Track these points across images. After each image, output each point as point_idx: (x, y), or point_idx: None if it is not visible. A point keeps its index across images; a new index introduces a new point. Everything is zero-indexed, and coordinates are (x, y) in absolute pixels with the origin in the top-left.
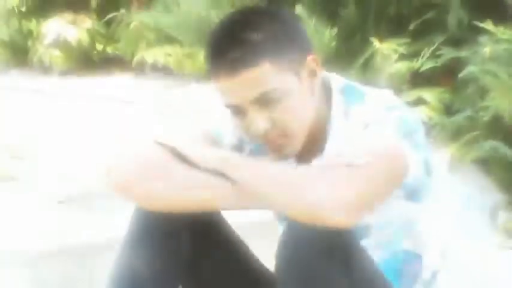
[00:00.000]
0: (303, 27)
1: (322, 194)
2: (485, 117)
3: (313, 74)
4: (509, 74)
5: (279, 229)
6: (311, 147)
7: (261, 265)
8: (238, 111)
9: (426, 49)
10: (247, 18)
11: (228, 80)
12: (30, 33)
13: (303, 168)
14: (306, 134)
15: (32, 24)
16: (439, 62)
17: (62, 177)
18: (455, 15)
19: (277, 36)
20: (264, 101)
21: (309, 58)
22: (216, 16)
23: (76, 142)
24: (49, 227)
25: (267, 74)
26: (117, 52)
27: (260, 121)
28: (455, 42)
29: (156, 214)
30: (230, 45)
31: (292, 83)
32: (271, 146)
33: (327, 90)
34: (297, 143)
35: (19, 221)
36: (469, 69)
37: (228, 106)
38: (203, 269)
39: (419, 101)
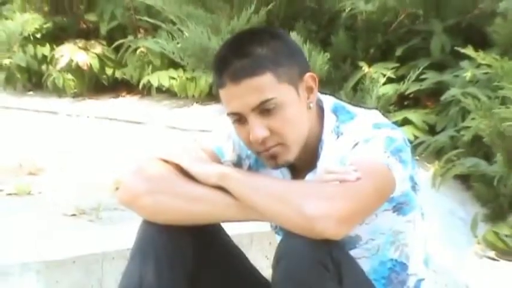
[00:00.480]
0: (301, 48)
1: (316, 208)
2: (466, 136)
3: (310, 90)
4: (488, 96)
5: (276, 240)
6: (305, 163)
7: (259, 274)
8: (240, 119)
9: (411, 73)
10: (252, 35)
11: (233, 86)
12: (44, 58)
13: (298, 183)
14: (301, 147)
15: (47, 50)
16: (424, 85)
17: (73, 191)
18: (438, 42)
19: (279, 52)
20: (264, 109)
21: (307, 75)
22: (216, 43)
23: (87, 159)
24: (61, 237)
25: (268, 84)
26: (124, 76)
27: (259, 128)
28: (439, 66)
29: (161, 226)
30: (236, 56)
31: (291, 95)
32: (268, 154)
33: (319, 110)
34: (293, 152)
35: (34, 232)
36: (451, 92)
37: (231, 114)
38: (205, 279)
39: (405, 121)
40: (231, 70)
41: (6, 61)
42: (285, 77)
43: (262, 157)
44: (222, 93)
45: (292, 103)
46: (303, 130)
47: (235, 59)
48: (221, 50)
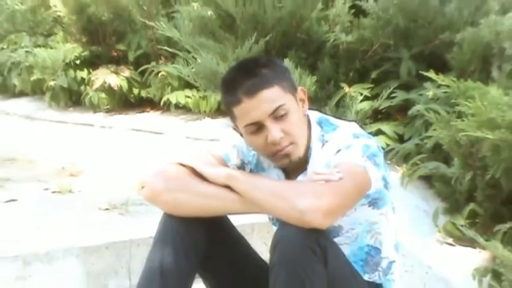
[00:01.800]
0: (289, 69)
1: (306, 203)
2: (429, 144)
3: (302, 101)
4: (447, 111)
5: (273, 229)
6: (297, 166)
7: (259, 258)
8: (258, 127)
9: (384, 92)
10: (254, 60)
11: (249, 100)
12: (83, 80)
13: (291, 183)
14: (306, 146)
15: (84, 74)
16: (394, 102)
17: (106, 189)
18: (406, 67)
19: (277, 71)
20: (278, 115)
21: (299, 88)
22: (223, 68)
23: (117, 163)
24: (96, 227)
25: (277, 93)
26: (148, 95)
27: (276, 131)
28: (406, 87)
29: (178, 218)
30: (246, 77)
31: (294, 103)
32: (282, 153)
33: (307, 122)
34: (301, 150)
35: (73, 223)
36: (417, 108)
37: (249, 125)
38: (215, 261)
39: (379, 132)
40: (244, 88)
41: (52, 83)
42: (287, 88)
43: (276, 158)
44: (238, 109)
45: (295, 110)
46: (305, 132)
47: (245, 80)
48: (229, 76)
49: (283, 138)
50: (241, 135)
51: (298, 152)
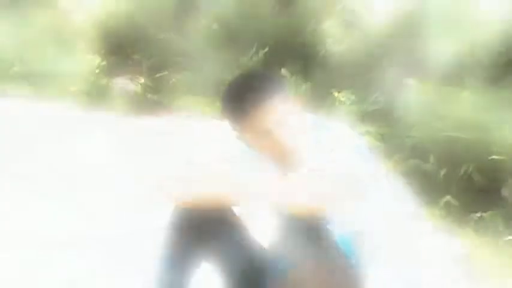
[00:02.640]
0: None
1: (301, 197)
2: (410, 143)
3: (296, 105)
4: (426, 114)
5: (273, 219)
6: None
7: (259, 244)
8: (265, 135)
9: (370, 97)
10: (252, 75)
11: (256, 112)
12: (102, 87)
13: (289, 179)
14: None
15: (104, 81)
16: (379, 106)
17: (123, 184)
18: (390, 74)
19: (274, 81)
20: (283, 121)
21: (292, 94)
22: (228, 75)
23: (134, 160)
24: (115, 217)
25: (280, 102)
26: (161, 100)
27: (284, 137)
28: (390, 92)
29: (188, 209)
30: (250, 91)
31: (292, 109)
32: (290, 155)
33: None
34: (304, 149)
35: (95, 213)
36: (399, 111)
37: (257, 134)
38: (219, 246)
39: (366, 132)
40: (250, 101)
41: (74, 89)
42: (285, 97)
43: (285, 159)
44: (246, 121)
45: (294, 114)
46: (303, 134)
47: (249, 94)
48: (232, 91)
49: (290, 142)
50: (243, 143)
51: (302, 152)
